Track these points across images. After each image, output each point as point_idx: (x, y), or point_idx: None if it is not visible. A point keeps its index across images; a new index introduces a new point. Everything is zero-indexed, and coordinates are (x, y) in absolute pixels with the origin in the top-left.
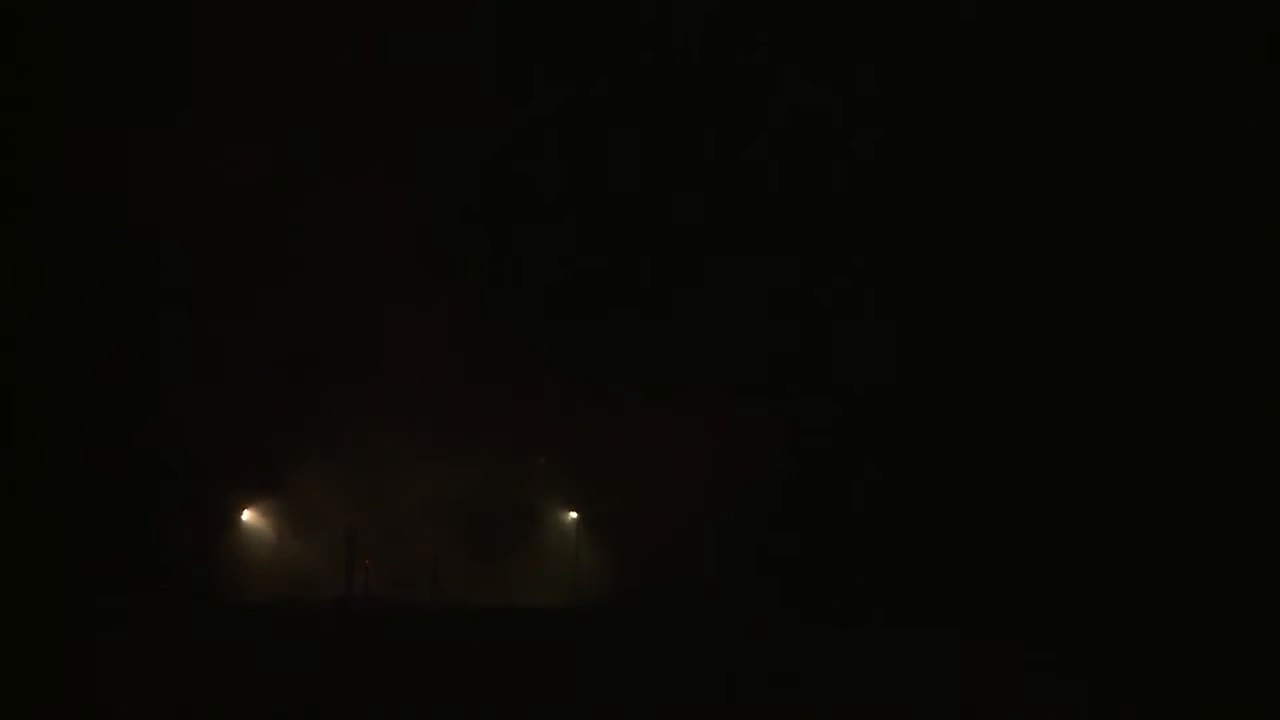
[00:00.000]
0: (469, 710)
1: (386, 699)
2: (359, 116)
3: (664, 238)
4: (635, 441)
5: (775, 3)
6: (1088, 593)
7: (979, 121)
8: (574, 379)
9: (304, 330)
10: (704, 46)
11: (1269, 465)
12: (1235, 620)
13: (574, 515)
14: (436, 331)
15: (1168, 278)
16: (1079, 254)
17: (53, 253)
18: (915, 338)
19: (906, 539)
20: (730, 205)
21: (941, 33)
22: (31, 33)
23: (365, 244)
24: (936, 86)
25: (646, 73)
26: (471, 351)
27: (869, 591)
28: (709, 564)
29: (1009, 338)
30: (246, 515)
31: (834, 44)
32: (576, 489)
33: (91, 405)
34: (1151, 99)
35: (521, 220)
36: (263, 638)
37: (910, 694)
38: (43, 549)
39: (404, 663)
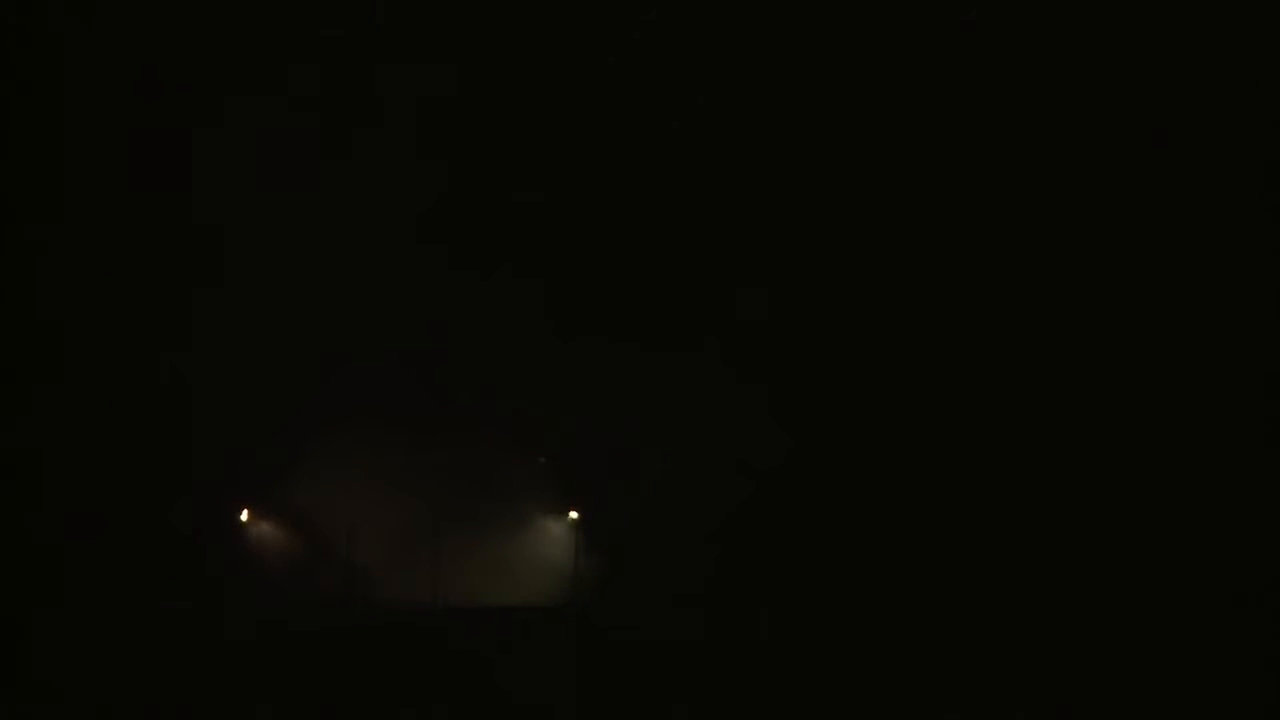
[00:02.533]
0: (471, 711)
1: (391, 701)
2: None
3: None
4: (635, 439)
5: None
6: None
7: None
8: (576, 377)
9: (300, 328)
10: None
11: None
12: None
13: (574, 515)
14: (438, 329)
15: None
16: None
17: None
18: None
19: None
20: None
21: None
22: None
23: (362, 234)
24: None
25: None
26: (472, 350)
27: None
28: (707, 563)
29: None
30: (246, 515)
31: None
32: (577, 488)
33: (87, 403)
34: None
35: (518, 213)
36: (267, 642)
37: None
38: (42, 551)
39: (407, 665)
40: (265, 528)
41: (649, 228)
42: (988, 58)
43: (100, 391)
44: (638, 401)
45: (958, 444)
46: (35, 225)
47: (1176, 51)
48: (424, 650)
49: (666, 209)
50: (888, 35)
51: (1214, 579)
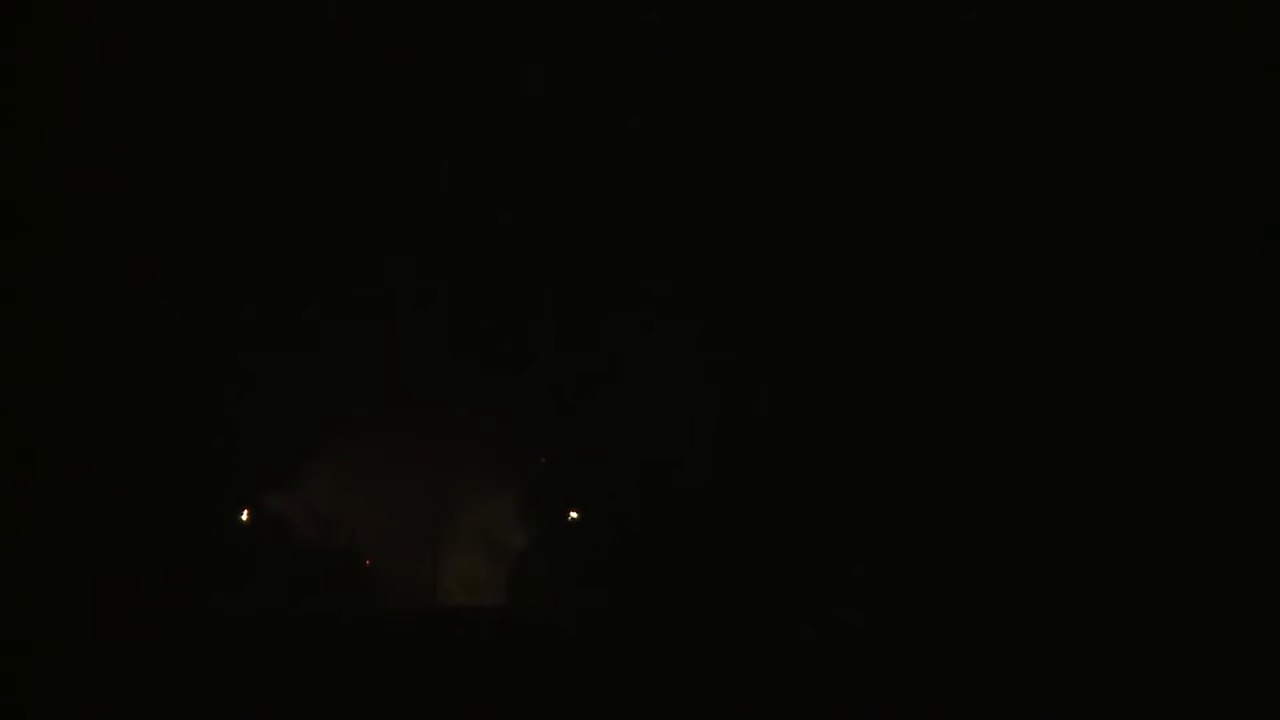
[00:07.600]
0: (468, 710)
1: (390, 701)
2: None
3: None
4: (634, 439)
5: None
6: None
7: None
8: (575, 377)
9: (298, 328)
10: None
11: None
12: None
13: (573, 515)
14: (437, 329)
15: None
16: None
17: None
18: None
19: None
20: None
21: None
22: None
23: (358, 236)
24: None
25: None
26: (471, 350)
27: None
28: (707, 563)
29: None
30: (245, 515)
31: None
32: (577, 488)
33: (88, 403)
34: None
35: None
36: (267, 647)
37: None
38: (42, 550)
39: (405, 664)
40: (265, 527)
41: (649, 230)
42: (987, 58)
43: (101, 392)
44: (637, 402)
45: (958, 445)
46: (36, 225)
47: (1176, 51)
48: (422, 650)
49: (667, 211)
50: (886, 35)
51: (1214, 578)
